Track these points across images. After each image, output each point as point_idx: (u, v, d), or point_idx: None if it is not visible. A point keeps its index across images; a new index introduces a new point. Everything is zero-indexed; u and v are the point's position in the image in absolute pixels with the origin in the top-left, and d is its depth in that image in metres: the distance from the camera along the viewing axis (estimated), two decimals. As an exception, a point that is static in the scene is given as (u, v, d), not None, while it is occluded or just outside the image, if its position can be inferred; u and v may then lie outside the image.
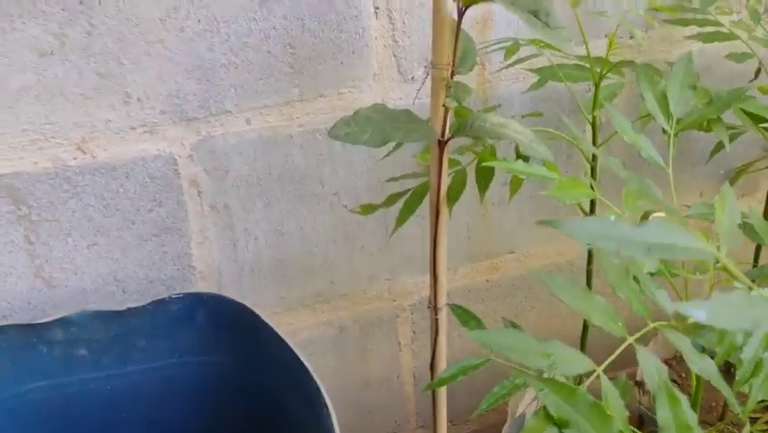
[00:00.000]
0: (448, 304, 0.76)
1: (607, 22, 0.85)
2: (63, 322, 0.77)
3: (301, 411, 0.74)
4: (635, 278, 0.55)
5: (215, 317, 0.79)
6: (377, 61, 0.89)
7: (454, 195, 0.73)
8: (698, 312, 0.33)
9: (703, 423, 1.01)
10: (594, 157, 0.76)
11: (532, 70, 0.87)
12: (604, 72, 0.76)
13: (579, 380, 0.66)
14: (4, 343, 0.77)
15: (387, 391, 1.11)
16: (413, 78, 0.91)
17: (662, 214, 0.70)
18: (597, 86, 0.74)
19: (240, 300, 0.96)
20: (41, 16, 0.74)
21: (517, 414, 0.90)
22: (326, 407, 0.67)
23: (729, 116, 0.86)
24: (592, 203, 0.74)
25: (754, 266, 0.91)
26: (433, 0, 0.64)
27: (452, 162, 0.78)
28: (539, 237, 1.09)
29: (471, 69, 0.69)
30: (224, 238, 0.91)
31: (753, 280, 0.77)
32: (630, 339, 0.48)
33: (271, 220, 0.92)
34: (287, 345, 0.70)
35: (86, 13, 0.76)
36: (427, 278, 0.75)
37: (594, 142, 0.76)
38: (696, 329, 0.51)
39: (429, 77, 0.68)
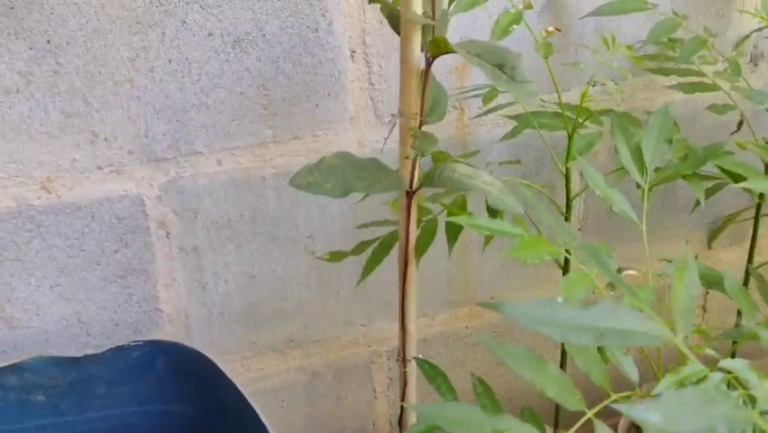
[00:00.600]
0: (415, 358, 0.74)
1: (588, 70, 0.84)
2: (18, 368, 0.75)
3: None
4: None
5: (175, 365, 0.77)
6: (353, 104, 0.88)
7: (423, 246, 0.71)
8: (652, 416, 0.31)
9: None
10: (568, 208, 0.74)
11: (510, 117, 0.85)
12: (581, 121, 0.75)
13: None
14: (-44, 387, 0.75)
15: (361, 439, 1.08)
16: (390, 121, 0.89)
17: (633, 271, 0.68)
18: (570, 137, 0.73)
19: (209, 344, 0.93)
20: (7, 54, 0.73)
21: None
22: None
23: (713, 167, 0.84)
24: (566, 258, 0.72)
25: (737, 325, 0.88)
26: (400, 50, 0.62)
27: (425, 210, 0.77)
28: (519, 283, 1.07)
29: (441, 119, 0.68)
30: (193, 281, 0.89)
31: (733, 342, 0.75)
32: (589, 413, 0.45)
33: (242, 263, 0.90)
34: (243, 397, 0.67)
35: (54, 51, 0.74)
36: (403, 325, 0.73)
37: (567, 195, 0.74)
38: (661, 400, 0.48)
39: (397, 125, 0.66)
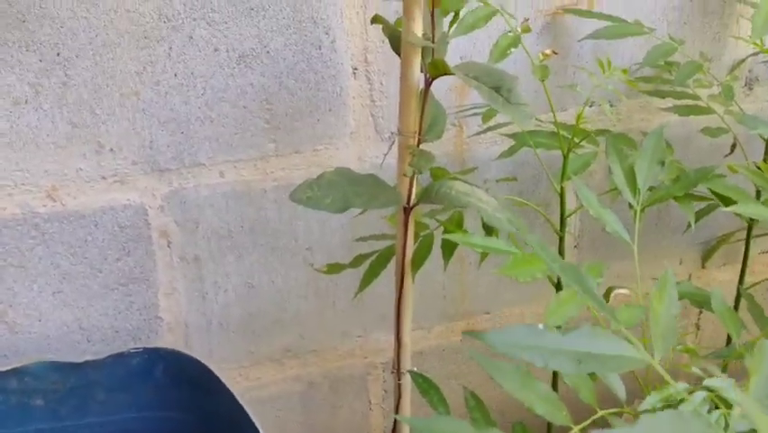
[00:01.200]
0: (409, 371, 0.75)
1: (584, 92, 0.85)
2: (19, 372, 0.76)
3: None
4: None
5: (174, 372, 0.78)
6: (354, 120, 0.89)
7: (419, 261, 0.73)
8: None
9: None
10: (562, 227, 0.75)
11: (509, 136, 0.87)
12: (576, 142, 0.76)
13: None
14: (-42, 390, 0.76)
15: (355, 450, 1.09)
16: (389, 137, 0.91)
17: (624, 290, 0.69)
18: (565, 156, 0.74)
19: (207, 353, 0.95)
20: (18, 66, 0.75)
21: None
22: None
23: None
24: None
25: (728, 344, 0.89)
26: (401, 70, 0.64)
27: (422, 226, 0.78)
28: (515, 299, 1.08)
29: (439, 137, 0.69)
30: (193, 290, 0.90)
31: (724, 364, 0.76)
32: (575, 429, 0.47)
33: (242, 273, 0.92)
34: (240, 405, 0.69)
35: (63, 64, 0.76)
36: (399, 337, 0.74)
37: (562, 213, 0.76)
38: (647, 417, 0.50)
39: (396, 143, 0.68)
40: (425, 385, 0.70)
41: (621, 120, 1.00)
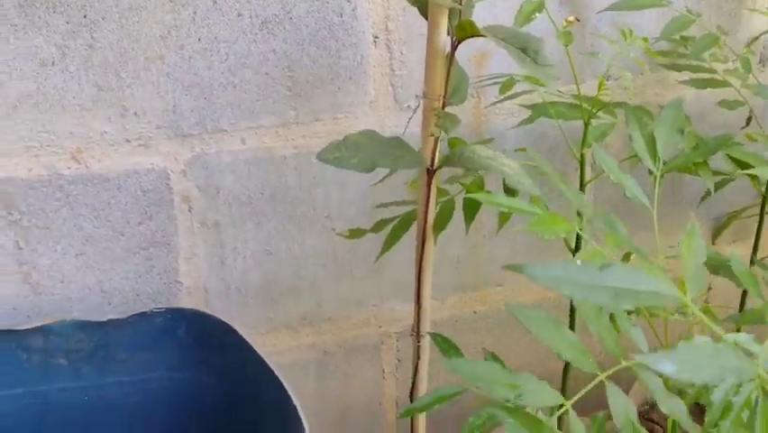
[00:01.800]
0: (430, 333, 0.76)
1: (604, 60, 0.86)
2: (44, 330, 0.78)
3: (278, 431, 0.73)
4: (612, 315, 0.55)
5: (197, 332, 0.79)
6: (374, 89, 0.90)
7: (441, 224, 0.74)
8: (666, 365, 0.33)
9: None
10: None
11: (527, 106, 0.88)
12: (594, 112, 0.77)
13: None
14: (-17, 347, 0.77)
15: (368, 418, 1.10)
16: (408, 106, 0.92)
17: (644, 253, 0.70)
18: (586, 125, 0.75)
19: (226, 318, 0.96)
20: (45, 27, 0.76)
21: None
22: (303, 429, 0.67)
23: (721, 163, 0.87)
24: (578, 239, 0.75)
25: (741, 309, 0.91)
26: (427, 32, 0.65)
27: (442, 192, 0.79)
28: (528, 272, 1.09)
29: (463, 101, 0.70)
30: (213, 255, 0.91)
31: (737, 326, 0.78)
32: (601, 376, 0.48)
33: (261, 240, 0.93)
34: (266, 364, 0.70)
35: (89, 26, 0.77)
36: (415, 305, 0.75)
37: (582, 180, 0.77)
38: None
39: (421, 107, 0.69)
40: (446, 345, 0.72)
41: (636, 94, 1.01)
